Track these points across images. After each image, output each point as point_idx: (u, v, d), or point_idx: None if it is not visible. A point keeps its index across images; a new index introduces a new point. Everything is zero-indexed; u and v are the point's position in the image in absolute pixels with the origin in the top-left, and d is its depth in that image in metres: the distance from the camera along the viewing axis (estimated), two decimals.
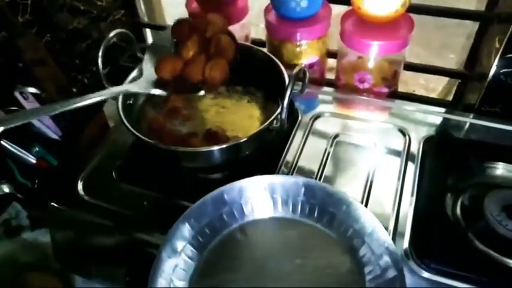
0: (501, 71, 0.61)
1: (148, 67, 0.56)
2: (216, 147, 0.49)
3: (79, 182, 0.59)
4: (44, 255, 0.62)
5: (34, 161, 0.65)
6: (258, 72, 0.60)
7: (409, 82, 1.44)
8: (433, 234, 0.50)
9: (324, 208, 0.50)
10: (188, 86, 0.54)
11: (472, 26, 0.70)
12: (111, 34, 0.55)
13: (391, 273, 0.44)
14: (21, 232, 0.70)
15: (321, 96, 0.70)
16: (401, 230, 0.51)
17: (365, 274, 0.46)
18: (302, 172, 0.58)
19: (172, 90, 0.54)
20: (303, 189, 0.51)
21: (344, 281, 0.45)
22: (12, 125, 0.43)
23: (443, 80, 0.97)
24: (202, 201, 0.49)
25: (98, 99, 0.49)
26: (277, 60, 0.58)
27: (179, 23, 0.58)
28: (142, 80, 0.55)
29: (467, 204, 0.53)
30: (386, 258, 0.44)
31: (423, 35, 1.66)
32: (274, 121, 0.52)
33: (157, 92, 0.54)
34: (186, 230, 0.48)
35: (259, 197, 0.51)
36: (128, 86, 0.56)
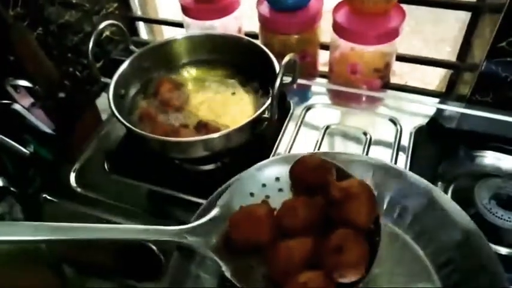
0: (492, 61, 0.61)
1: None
2: (206, 137, 0.49)
3: (71, 174, 0.60)
4: (38, 248, 0.62)
5: (27, 154, 0.65)
6: (249, 64, 0.60)
7: (405, 77, 1.44)
8: None
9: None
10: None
11: (467, 19, 0.71)
12: (102, 25, 0.55)
13: None
14: None
15: (313, 88, 0.70)
16: None
17: None
18: None
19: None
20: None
21: None
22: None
23: (439, 75, 0.97)
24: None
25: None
26: (268, 51, 0.58)
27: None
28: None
29: (457, 193, 0.53)
30: None
31: (420, 29, 1.67)
32: (266, 112, 0.53)
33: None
34: None
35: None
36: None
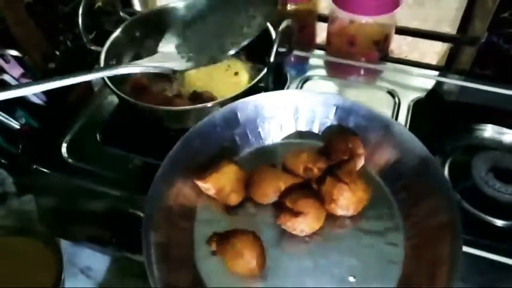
0: (494, 32, 0.60)
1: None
2: (200, 106, 0.48)
3: (63, 144, 0.58)
4: (30, 219, 0.62)
5: (18, 126, 0.64)
6: None
7: (403, 56, 1.42)
8: None
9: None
10: None
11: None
12: None
13: None
14: (7, 199, 0.70)
15: (310, 61, 0.69)
16: None
17: None
18: None
19: None
20: (334, 110, 0.43)
21: None
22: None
23: (438, 54, 0.96)
24: (208, 120, 0.42)
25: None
26: None
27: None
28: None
29: (455, 166, 0.53)
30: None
31: (420, 11, 1.65)
32: (262, 82, 0.51)
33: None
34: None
35: (279, 117, 0.44)
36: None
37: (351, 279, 0.38)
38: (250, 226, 0.40)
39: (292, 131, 0.45)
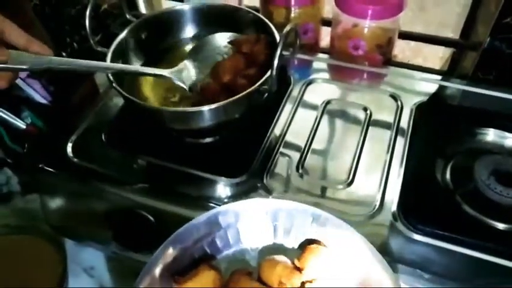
0: (496, 37, 0.60)
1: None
2: (204, 108, 0.48)
3: (68, 144, 0.59)
4: (34, 219, 0.62)
5: (24, 126, 0.64)
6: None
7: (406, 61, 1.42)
8: (421, 198, 0.50)
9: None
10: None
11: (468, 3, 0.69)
12: None
13: None
14: (12, 198, 0.70)
15: (314, 64, 0.69)
16: (391, 192, 0.51)
17: None
18: (292, 137, 0.58)
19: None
20: (311, 220, 0.44)
21: None
22: None
23: (441, 60, 0.96)
24: (191, 224, 0.43)
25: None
26: (267, 21, 0.57)
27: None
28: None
29: (457, 169, 0.53)
30: None
31: (423, 16, 1.65)
32: (266, 84, 0.52)
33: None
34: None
35: (258, 222, 0.45)
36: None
37: None
38: None
39: (270, 237, 0.46)
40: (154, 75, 0.54)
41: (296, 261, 0.43)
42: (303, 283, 0.42)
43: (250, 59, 0.56)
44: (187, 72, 0.55)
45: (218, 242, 0.45)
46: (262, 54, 0.56)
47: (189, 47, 0.64)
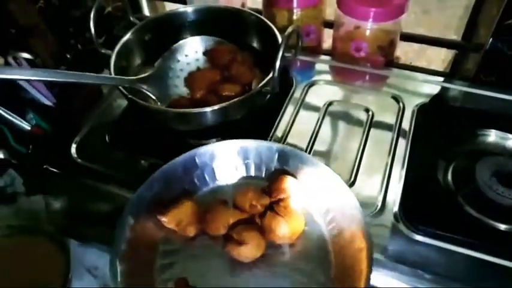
0: (498, 39, 0.60)
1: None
2: (207, 109, 0.49)
3: (73, 145, 0.60)
4: (39, 219, 0.63)
5: (28, 128, 0.65)
6: (251, 38, 0.60)
7: (409, 63, 1.42)
8: (423, 198, 0.50)
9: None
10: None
11: (471, 4, 0.69)
12: None
13: None
14: (16, 199, 0.71)
15: (316, 66, 0.70)
16: (392, 193, 0.51)
17: None
18: (294, 138, 0.58)
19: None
20: (276, 155, 0.51)
21: None
22: None
23: (444, 62, 0.96)
24: (172, 164, 0.49)
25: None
26: (270, 23, 0.57)
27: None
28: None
29: (458, 170, 0.53)
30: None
31: (425, 18, 1.65)
32: (268, 86, 0.52)
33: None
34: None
35: (231, 161, 0.52)
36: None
37: None
38: (205, 255, 0.47)
39: (242, 173, 0.53)
40: (116, 86, 0.54)
41: (265, 188, 0.50)
42: (271, 203, 0.48)
43: (228, 73, 0.59)
44: (155, 80, 0.57)
45: (196, 180, 0.51)
46: (246, 74, 0.59)
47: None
